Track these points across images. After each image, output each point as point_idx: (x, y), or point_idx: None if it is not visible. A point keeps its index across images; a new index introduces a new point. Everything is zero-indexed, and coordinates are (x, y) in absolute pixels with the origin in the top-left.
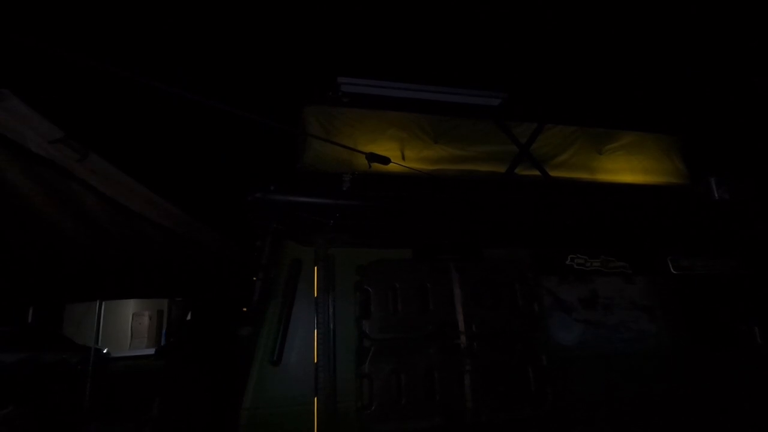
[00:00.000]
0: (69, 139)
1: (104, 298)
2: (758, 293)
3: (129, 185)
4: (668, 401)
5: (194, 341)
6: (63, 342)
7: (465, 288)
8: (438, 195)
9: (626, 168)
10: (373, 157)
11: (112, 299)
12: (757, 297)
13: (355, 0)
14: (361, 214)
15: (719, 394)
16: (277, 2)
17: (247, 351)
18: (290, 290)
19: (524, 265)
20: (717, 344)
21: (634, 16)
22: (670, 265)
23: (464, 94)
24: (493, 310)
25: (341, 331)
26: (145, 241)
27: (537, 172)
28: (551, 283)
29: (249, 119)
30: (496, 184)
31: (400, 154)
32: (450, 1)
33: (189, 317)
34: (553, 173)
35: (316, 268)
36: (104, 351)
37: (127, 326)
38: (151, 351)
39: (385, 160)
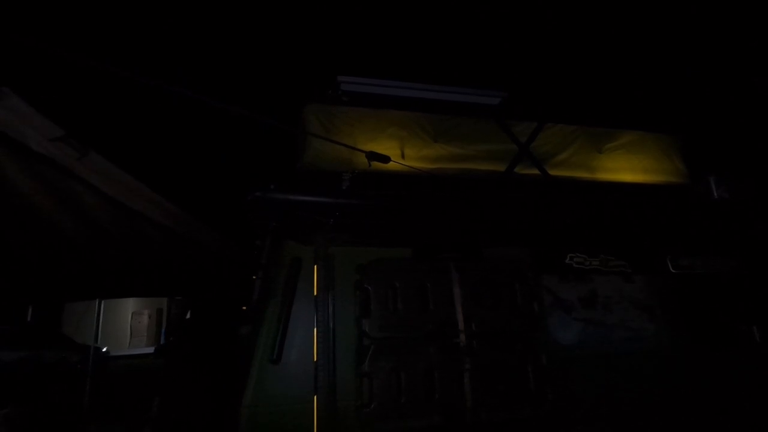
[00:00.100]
0: (69, 138)
1: (104, 296)
2: (757, 292)
3: (129, 184)
4: (667, 400)
5: (194, 340)
6: (62, 341)
7: (465, 287)
8: (438, 194)
9: (626, 167)
10: (373, 156)
11: (112, 298)
12: (756, 296)
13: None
14: (360, 213)
15: (718, 393)
16: (277, 2)
17: (246, 349)
18: (290, 289)
19: (524, 264)
20: (716, 343)
21: (634, 16)
22: (669, 265)
23: (464, 93)
24: (492, 310)
25: (341, 329)
26: (144, 240)
27: (537, 171)
28: (551, 282)
29: (249, 118)
30: (496, 183)
31: (400, 152)
32: (450, 0)
33: (188, 316)
34: (553, 172)
35: (315, 266)
36: (104, 350)
37: (126, 325)
38: (151, 350)
39: (385, 159)
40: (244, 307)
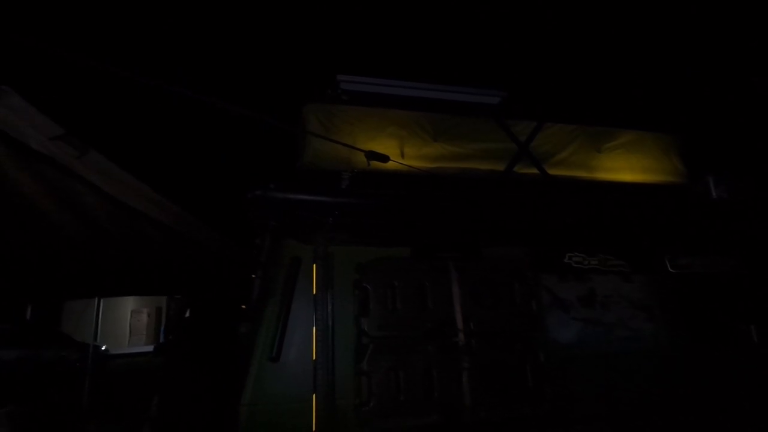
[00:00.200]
0: (69, 136)
1: (103, 295)
2: (756, 292)
3: (129, 183)
4: (665, 399)
5: (193, 338)
6: (62, 339)
7: (464, 286)
8: (437, 193)
9: (625, 167)
10: (372, 155)
11: (111, 296)
12: (755, 296)
13: None
14: (360, 212)
15: (716, 392)
16: (277, 1)
17: (246, 348)
18: (289, 288)
19: (523, 264)
20: (714, 343)
21: (633, 15)
22: (668, 264)
23: (464, 92)
24: (491, 309)
25: (340, 328)
26: (144, 239)
27: (536, 171)
28: (549, 281)
29: (248, 117)
30: (496, 182)
31: (400, 152)
32: (450, 0)
33: (187, 314)
34: (553, 172)
35: (315, 265)
36: (103, 348)
37: (125, 323)
38: (150, 348)
39: (384, 158)
40: (244, 306)
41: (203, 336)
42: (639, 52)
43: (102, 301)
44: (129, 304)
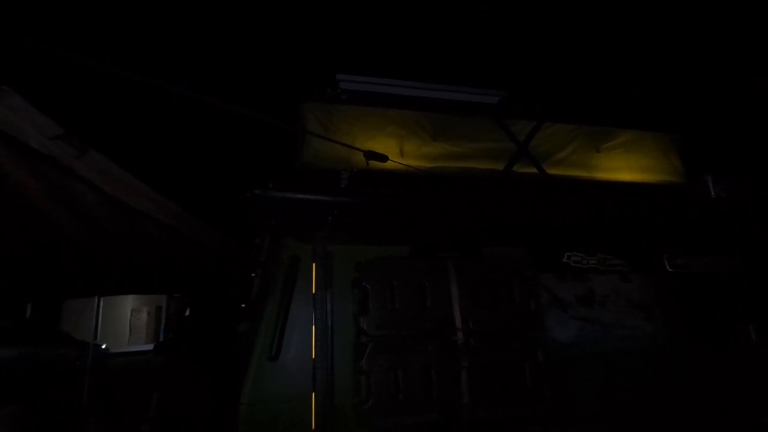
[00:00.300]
0: (69, 136)
1: (103, 294)
2: (754, 291)
3: (128, 182)
4: (663, 398)
5: (193, 337)
6: (62, 338)
7: (463, 286)
8: (436, 192)
9: (624, 166)
10: (370, 155)
11: (111, 295)
12: (753, 295)
13: None
14: (359, 212)
15: (714, 391)
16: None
17: (245, 347)
18: (288, 287)
19: (522, 263)
20: (712, 342)
21: (633, 15)
22: (666, 263)
23: (463, 92)
24: (490, 308)
25: (339, 327)
26: (144, 238)
27: (535, 170)
28: (548, 280)
29: (248, 117)
30: (495, 181)
31: (399, 151)
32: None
33: (187, 313)
34: (551, 171)
35: (314, 265)
36: (103, 347)
37: (125, 322)
38: (150, 347)
39: (383, 158)
40: (243, 305)
41: (203, 335)
42: (638, 52)
43: (102, 299)
44: (129, 302)
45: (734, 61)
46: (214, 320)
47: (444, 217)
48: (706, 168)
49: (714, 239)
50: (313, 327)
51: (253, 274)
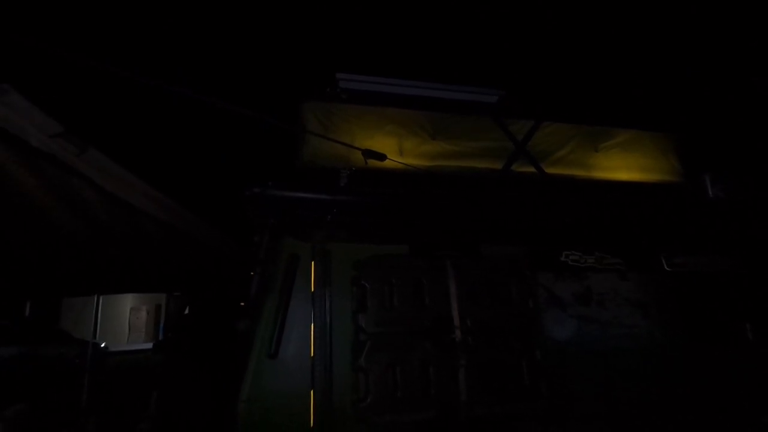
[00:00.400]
0: (69, 134)
1: (102, 292)
2: (750, 291)
3: (128, 180)
4: (660, 396)
5: (192, 336)
6: (61, 336)
7: (461, 284)
8: (435, 191)
9: (622, 165)
10: (369, 154)
11: (111, 294)
12: (750, 294)
13: None
14: (358, 210)
15: (711, 390)
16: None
17: (244, 345)
18: (287, 285)
19: (520, 262)
20: (709, 341)
21: (632, 14)
22: (664, 263)
23: (462, 91)
24: (488, 306)
25: (338, 325)
26: (144, 236)
27: (534, 169)
28: (546, 279)
29: (248, 116)
30: (493, 180)
31: (398, 150)
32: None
33: (186, 312)
34: (550, 170)
35: (313, 263)
36: (102, 345)
37: (124, 321)
38: (149, 345)
39: (381, 157)
40: (242, 303)
41: (202, 333)
42: (638, 51)
43: (101, 298)
44: (128, 301)
45: (734, 61)
46: (213, 319)
47: (442, 216)
48: (705, 167)
49: (712, 239)
50: (312, 325)
51: (252, 273)
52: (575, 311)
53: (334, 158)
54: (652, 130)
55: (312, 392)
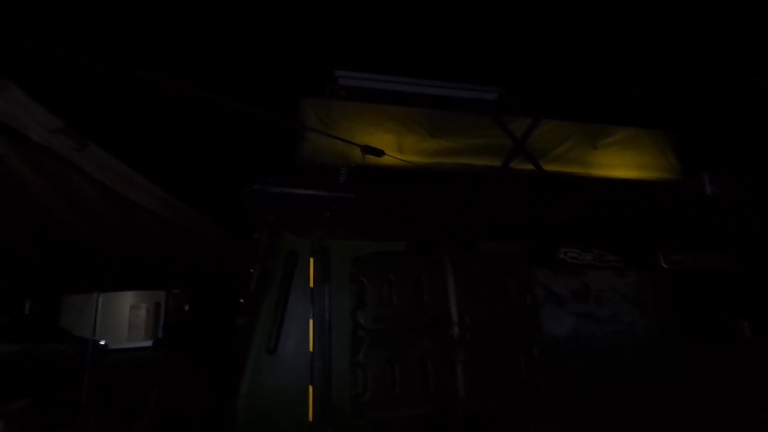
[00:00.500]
0: (69, 129)
1: (102, 290)
2: (748, 288)
3: (129, 176)
4: (658, 392)
5: (192, 333)
6: (61, 334)
7: (459, 281)
8: (434, 188)
9: (620, 163)
10: (367, 149)
11: (111, 291)
12: (747, 291)
13: None
14: (357, 207)
15: (709, 387)
16: None
17: (244, 341)
18: (286, 281)
19: (518, 259)
20: (707, 338)
21: (632, 13)
22: (662, 260)
23: (461, 88)
24: (486, 303)
25: (337, 321)
26: (144, 233)
27: (532, 167)
28: (544, 276)
29: (247, 112)
30: (492, 178)
31: (397, 147)
32: None
33: (186, 309)
34: (548, 168)
35: (312, 259)
36: (102, 343)
37: (124, 319)
38: (149, 343)
39: (379, 153)
40: (242, 300)
41: (202, 331)
42: (637, 50)
43: (101, 296)
44: (128, 299)
45: (735, 62)
46: (212, 316)
47: (441, 213)
48: (703, 165)
49: (709, 236)
50: (311, 321)
51: (251, 269)
52: (573, 308)
53: (334, 155)
54: (650, 128)
55: (311, 388)
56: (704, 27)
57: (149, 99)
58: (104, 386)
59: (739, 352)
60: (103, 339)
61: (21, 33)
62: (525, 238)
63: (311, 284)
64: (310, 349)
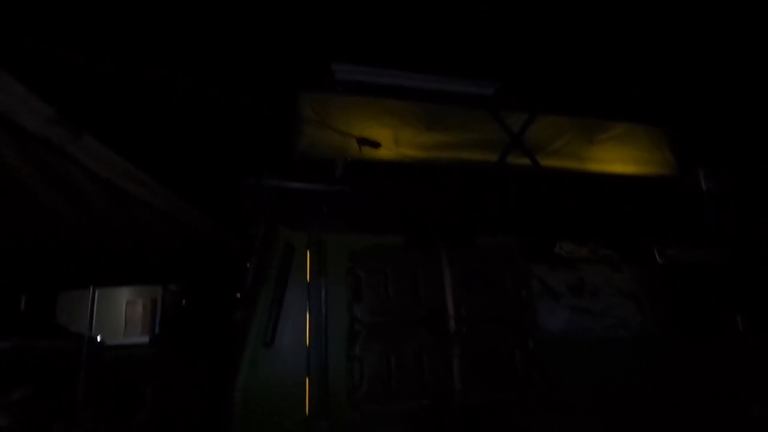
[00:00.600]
0: (64, 120)
1: (99, 285)
2: (741, 282)
3: (125, 169)
4: (652, 386)
5: (188, 329)
6: (57, 330)
7: (455, 274)
8: (430, 182)
9: (617, 158)
10: (363, 142)
11: (107, 286)
12: (740, 286)
13: None
14: (354, 201)
15: (702, 380)
16: None
17: (240, 335)
18: (283, 275)
19: (514, 253)
20: (701, 332)
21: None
22: (657, 255)
23: (458, 83)
24: (482, 296)
25: (333, 315)
26: (141, 227)
27: (528, 161)
28: (540, 270)
29: (244, 106)
30: (488, 172)
31: (394, 141)
32: None
33: (183, 305)
34: (545, 162)
35: (309, 253)
36: (98, 339)
37: (120, 314)
38: (146, 339)
39: (376, 145)
40: (239, 295)
41: (199, 326)
42: (635, 45)
43: (97, 291)
44: (124, 294)
45: (734, 62)
46: (209, 311)
47: (437, 207)
48: (699, 162)
49: (704, 232)
50: (308, 314)
51: (248, 263)
52: (568, 302)
53: (330, 149)
54: (646, 124)
55: (307, 381)
56: (704, 26)
57: (145, 93)
58: (101, 382)
59: (733, 346)
60: (99, 335)
61: (15, 29)
62: (521, 232)
63: (308, 278)
64: (307, 342)
